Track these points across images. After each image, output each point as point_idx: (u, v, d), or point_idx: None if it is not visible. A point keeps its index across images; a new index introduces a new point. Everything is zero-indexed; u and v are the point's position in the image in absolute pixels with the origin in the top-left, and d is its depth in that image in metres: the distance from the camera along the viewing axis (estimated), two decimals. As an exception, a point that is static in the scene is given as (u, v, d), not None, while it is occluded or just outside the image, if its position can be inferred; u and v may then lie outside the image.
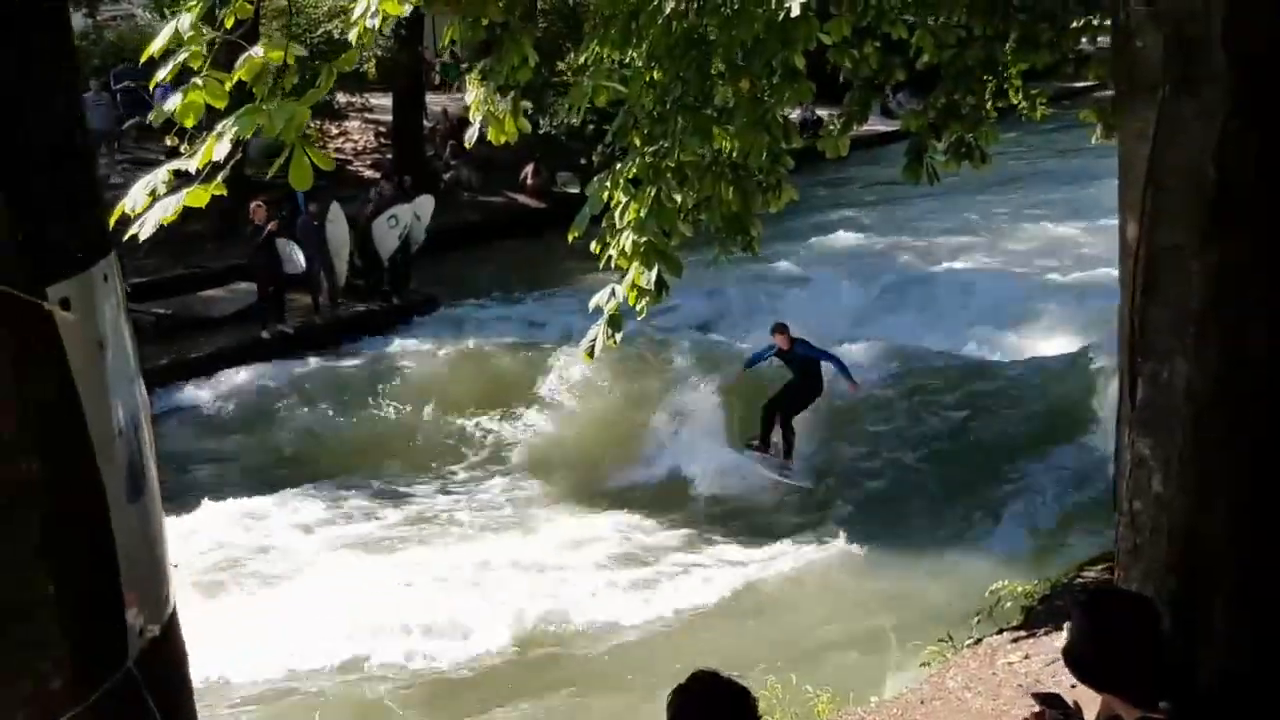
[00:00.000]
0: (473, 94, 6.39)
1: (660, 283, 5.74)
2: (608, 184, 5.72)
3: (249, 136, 3.28)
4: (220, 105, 3.41)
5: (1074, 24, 7.33)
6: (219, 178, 3.21)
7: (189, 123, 3.44)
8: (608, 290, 5.74)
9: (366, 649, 8.86)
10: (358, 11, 4.51)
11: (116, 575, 2.10)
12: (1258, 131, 3.20)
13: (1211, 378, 3.34)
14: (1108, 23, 7.86)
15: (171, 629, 2.26)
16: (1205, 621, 3.46)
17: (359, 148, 23.75)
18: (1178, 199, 3.28)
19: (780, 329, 11.86)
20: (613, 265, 5.79)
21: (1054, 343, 14.32)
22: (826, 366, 11.80)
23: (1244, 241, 3.28)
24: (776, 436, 11.87)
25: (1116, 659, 3.15)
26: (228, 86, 3.39)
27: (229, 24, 3.51)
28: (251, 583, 9.83)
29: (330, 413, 13.76)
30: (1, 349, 1.91)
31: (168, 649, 2.23)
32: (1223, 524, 3.44)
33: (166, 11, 18.06)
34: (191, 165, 3.23)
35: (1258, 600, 3.50)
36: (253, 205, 15.31)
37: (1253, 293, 3.32)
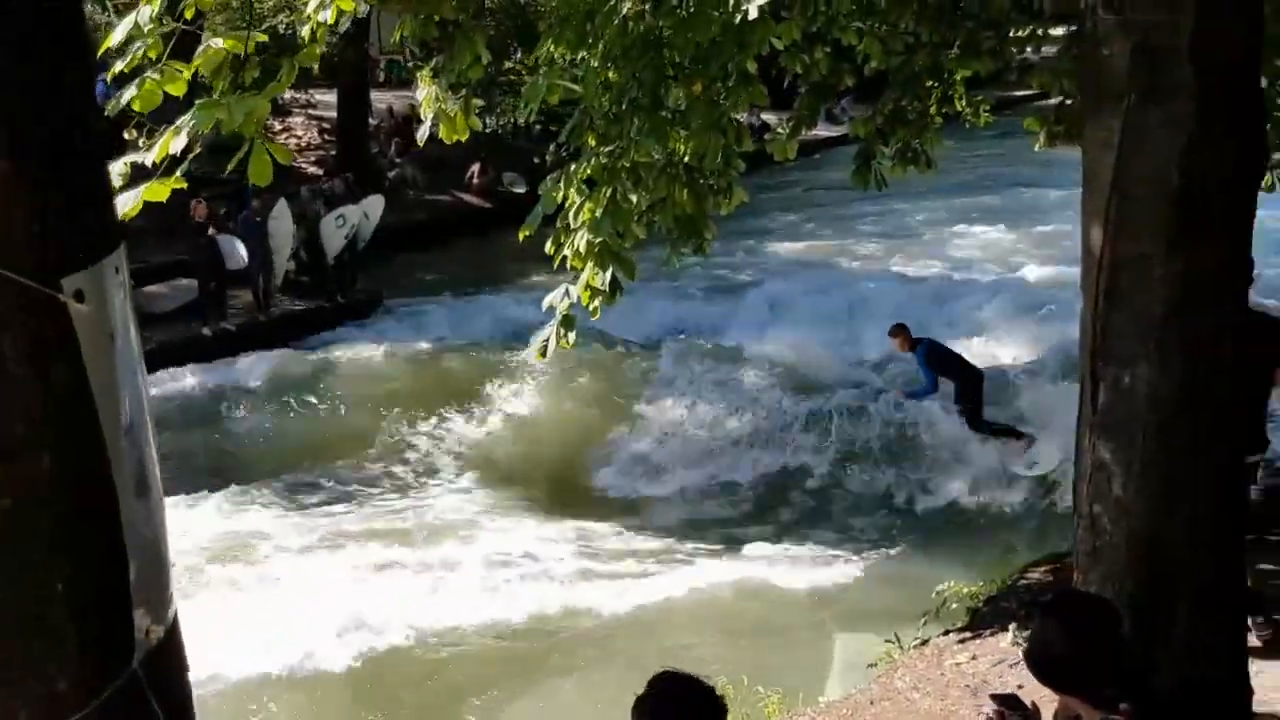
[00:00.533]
0: (424, 91, 6.32)
1: (614, 283, 5.71)
2: (561, 184, 5.67)
3: (207, 130, 3.21)
4: (179, 93, 3.35)
5: (1016, 32, 7.39)
6: (178, 171, 3.14)
7: (139, 107, 3.38)
8: (561, 290, 5.70)
9: (312, 647, 8.69)
10: (311, 6, 4.43)
11: (126, 574, 2.05)
12: (1223, 141, 3.22)
13: (1175, 384, 3.36)
14: (1052, 32, 7.99)
15: (174, 631, 2.21)
16: (1165, 625, 3.48)
17: (303, 144, 23.50)
18: (1143, 207, 3.29)
19: (896, 330, 11.61)
20: (568, 266, 5.74)
21: (997, 348, 14.46)
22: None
23: (1208, 250, 3.31)
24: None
25: (1078, 660, 3.16)
26: (186, 75, 3.32)
27: (189, 15, 3.44)
28: (192, 584, 9.64)
29: (273, 412, 13.58)
30: (20, 341, 1.88)
31: (170, 650, 2.19)
32: (1184, 529, 3.47)
33: (108, 4, 17.75)
34: (149, 159, 3.16)
35: (1218, 605, 3.53)
36: (193, 202, 15.08)
37: (1216, 301, 3.34)
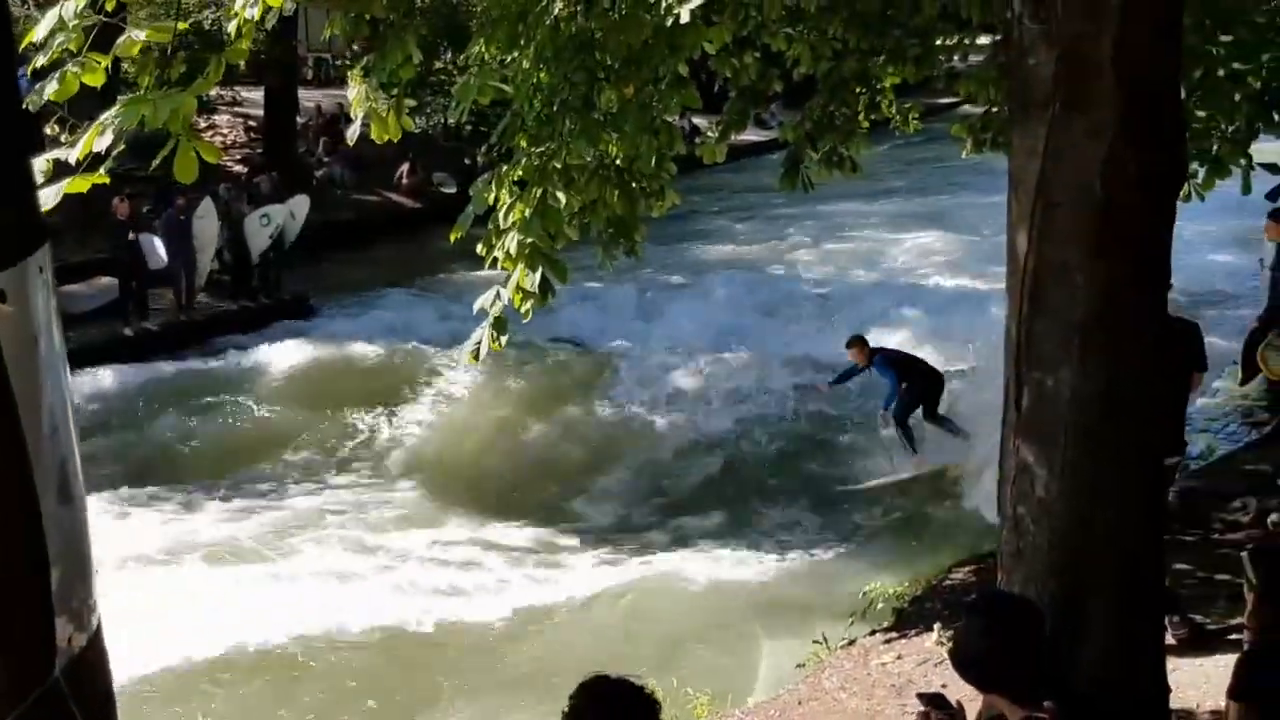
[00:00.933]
0: (354, 90, 6.26)
1: (545, 285, 5.68)
2: (492, 185, 5.64)
3: (132, 127, 3.16)
4: (97, 84, 3.30)
5: (943, 41, 7.48)
6: (102, 168, 3.09)
7: (56, 98, 3.32)
8: (492, 292, 5.66)
9: (230, 644, 8.59)
10: (239, 2, 4.37)
11: (48, 581, 2.01)
12: (1144, 152, 3.28)
13: (1096, 388, 3.42)
14: (979, 41, 8.11)
15: (97, 639, 2.16)
16: (1085, 625, 3.54)
17: (228, 142, 23.17)
18: (1066, 215, 3.35)
19: (853, 342, 11.61)
20: (498, 267, 5.71)
21: (919, 349, 14.61)
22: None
23: (1128, 257, 3.37)
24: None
25: (1001, 660, 3.21)
26: (104, 65, 3.26)
27: (110, 7, 3.38)
28: (111, 585, 9.44)
29: (196, 413, 13.37)
30: None
31: (93, 659, 2.14)
32: (1104, 531, 3.53)
33: (31, 3, 17.36)
34: (72, 156, 3.10)
35: (1137, 605, 3.60)
36: (115, 200, 14.82)
37: (1136, 307, 3.41)
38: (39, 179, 3.06)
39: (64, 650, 2.03)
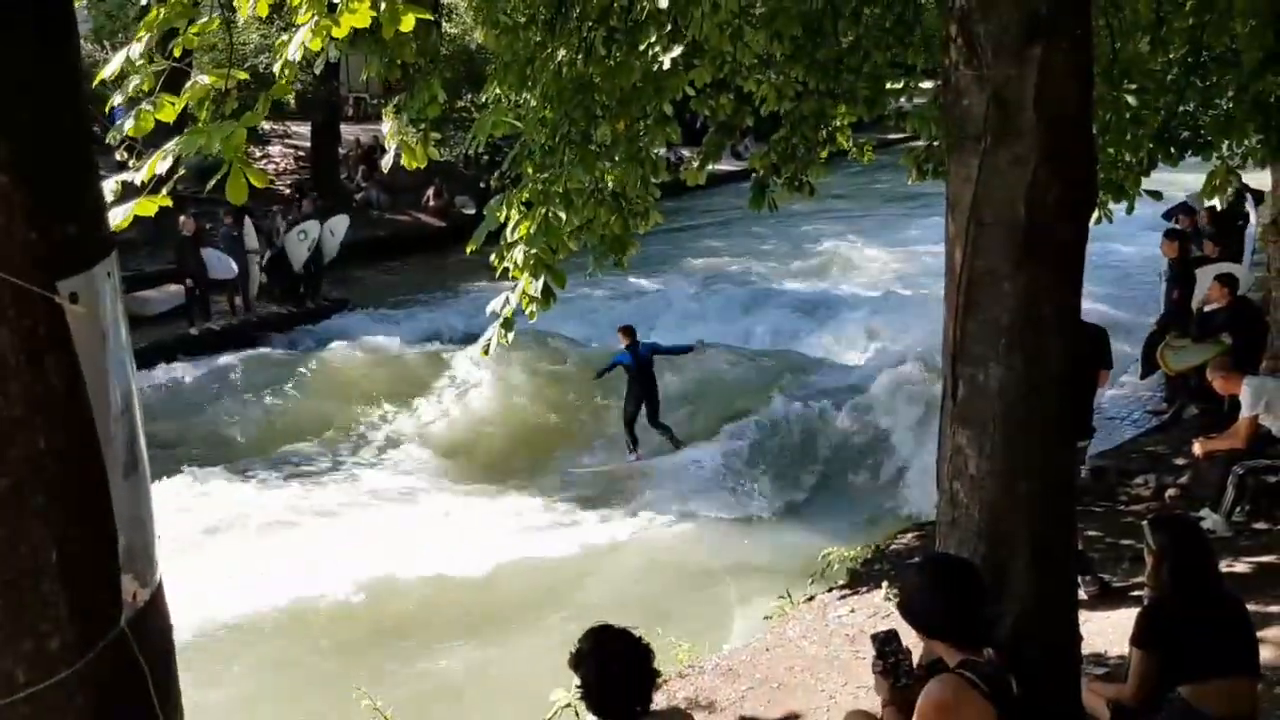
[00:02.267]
0: (388, 125, 6.26)
1: (547, 291, 5.67)
2: (503, 205, 5.63)
3: (192, 155, 3.14)
4: (169, 120, 3.30)
5: (892, 84, 7.46)
6: (164, 190, 3.07)
7: (134, 133, 3.32)
8: (502, 297, 5.66)
9: (283, 601, 8.58)
10: (292, 48, 4.34)
11: (115, 544, 2.01)
12: (1059, 179, 3.28)
13: (1018, 381, 3.41)
14: (922, 85, 8.10)
15: (158, 594, 2.16)
16: (1008, 582, 3.54)
17: (280, 169, 23.11)
18: (994, 232, 3.34)
19: (624, 330, 11.71)
20: (509, 276, 5.70)
21: (871, 348, 14.64)
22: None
23: (1046, 268, 3.37)
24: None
25: (941, 611, 3.21)
26: (179, 107, 3.26)
27: (178, 53, 3.36)
28: (179, 549, 9.40)
29: (252, 401, 13.33)
30: (17, 339, 1.85)
31: (155, 612, 2.14)
32: (1022, 500, 3.53)
33: (106, 44, 17.27)
34: (138, 178, 3.09)
35: (1051, 566, 3.60)
36: (182, 217, 14.81)
37: (1052, 310, 3.40)
38: (109, 198, 3.05)
39: (129, 605, 2.03)
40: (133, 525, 2.04)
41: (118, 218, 3.06)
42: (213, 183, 3.22)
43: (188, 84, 3.41)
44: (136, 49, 3.31)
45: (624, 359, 11.60)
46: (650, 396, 11.71)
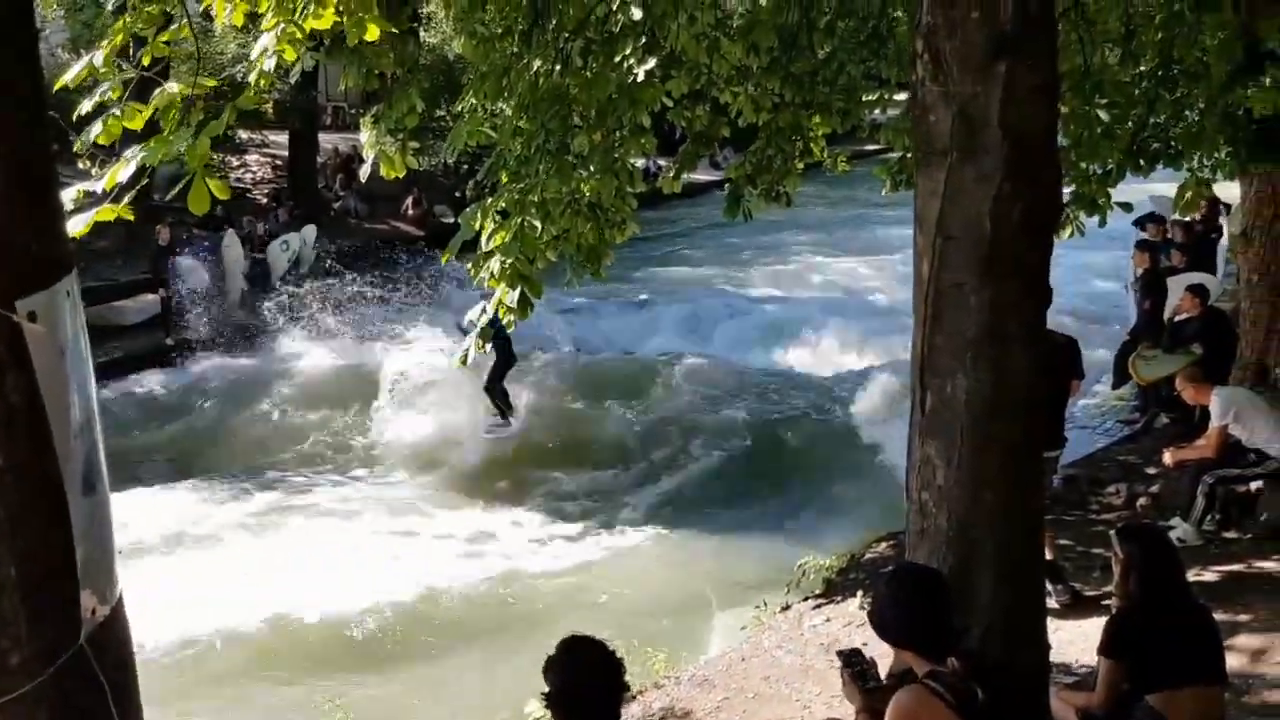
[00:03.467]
0: (366, 134, 6.27)
1: (524, 301, 5.67)
2: (478, 214, 5.63)
3: (156, 164, 3.13)
4: (137, 128, 3.29)
5: (866, 97, 7.53)
6: (125, 200, 3.05)
7: (103, 141, 3.31)
8: (479, 307, 5.67)
9: (249, 614, 8.50)
10: (255, 53, 4.34)
11: (73, 561, 2.01)
12: (1024, 195, 3.32)
13: (985, 393, 3.45)
14: (896, 98, 8.16)
15: (118, 609, 2.14)
16: (977, 591, 3.56)
17: (257, 178, 23.01)
18: (961, 246, 3.38)
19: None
20: (485, 285, 5.70)
21: (845, 359, 14.70)
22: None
23: (1011, 283, 3.40)
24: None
25: (909, 621, 3.24)
26: (145, 115, 3.24)
27: (146, 60, 3.35)
28: (147, 561, 9.34)
29: (227, 410, 13.27)
30: None
31: (115, 627, 2.13)
32: (988, 511, 3.56)
33: (82, 52, 17.15)
34: (98, 187, 3.07)
35: (1019, 575, 3.63)
36: (157, 227, 14.77)
37: (1017, 323, 3.44)
38: (69, 206, 3.04)
39: (89, 620, 2.02)
40: (93, 541, 2.03)
41: (78, 226, 3.04)
42: (174, 192, 3.21)
43: (156, 91, 3.40)
44: (100, 56, 3.30)
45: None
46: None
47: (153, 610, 7.97)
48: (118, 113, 3.35)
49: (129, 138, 3.48)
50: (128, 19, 3.70)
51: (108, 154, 3.32)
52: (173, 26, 3.75)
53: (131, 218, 3.12)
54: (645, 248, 18.57)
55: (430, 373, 13.77)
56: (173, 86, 3.44)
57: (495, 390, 12.18)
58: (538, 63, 5.73)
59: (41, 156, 1.97)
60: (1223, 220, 12.54)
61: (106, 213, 3.06)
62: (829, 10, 7.02)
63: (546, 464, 11.99)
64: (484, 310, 5.64)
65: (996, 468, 3.51)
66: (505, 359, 12.18)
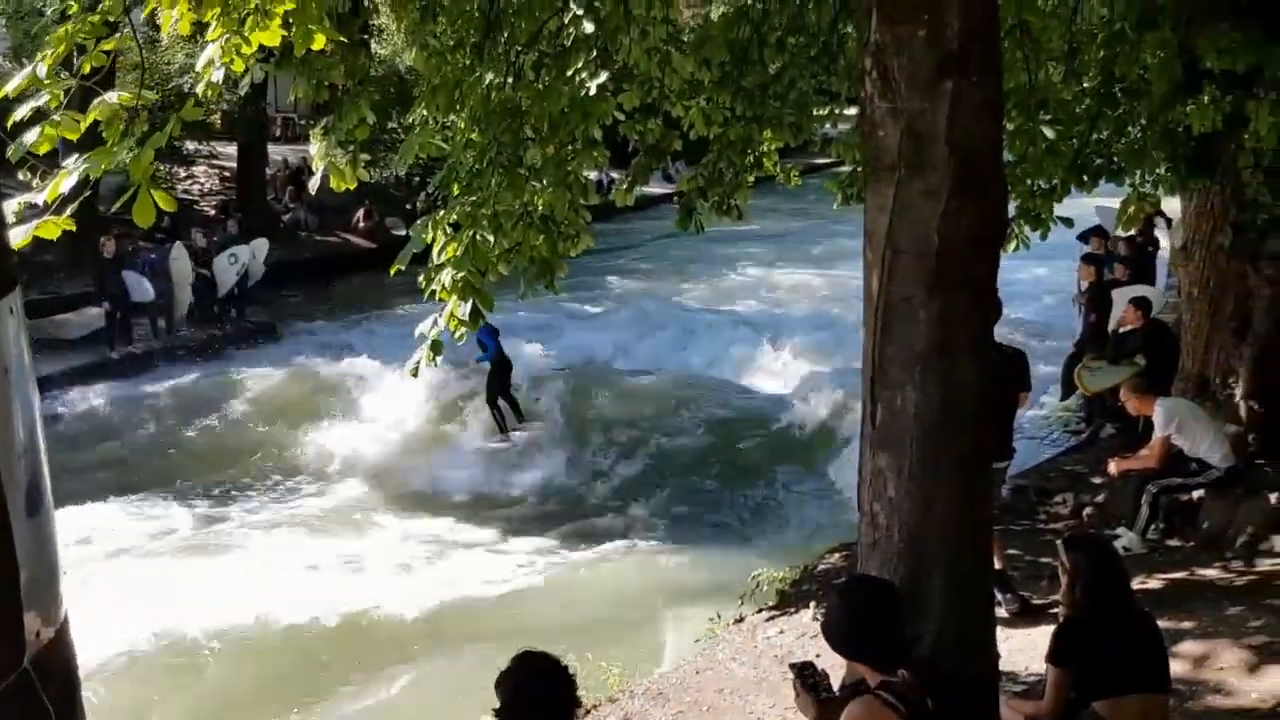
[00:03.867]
0: (316, 146, 6.21)
1: (475, 313, 5.65)
2: (430, 227, 5.61)
3: (100, 176, 3.08)
4: (74, 138, 3.23)
5: (817, 111, 7.60)
6: (67, 212, 3.00)
7: (39, 150, 3.24)
8: (430, 319, 5.62)
9: (197, 632, 8.37)
10: (200, 63, 4.28)
11: (16, 584, 1.95)
12: (971, 210, 3.37)
13: (933, 404, 3.48)
14: (847, 112, 8.25)
15: (63, 631, 2.09)
16: (927, 601, 3.59)
17: (205, 190, 22.72)
18: (909, 260, 3.42)
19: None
20: (436, 298, 5.67)
21: (798, 371, 14.76)
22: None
23: (958, 296, 3.45)
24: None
25: (862, 633, 3.26)
26: (84, 125, 3.19)
27: (85, 69, 3.30)
28: (94, 580, 9.15)
29: (173, 426, 13.06)
30: None
31: (60, 649, 2.07)
32: (938, 522, 3.59)
33: (24, 61, 16.85)
34: (40, 199, 3.02)
35: (967, 584, 3.67)
36: (102, 238, 14.53)
37: (965, 336, 3.49)
38: (11, 220, 2.98)
39: (33, 643, 1.97)
40: (36, 562, 1.98)
41: (18, 238, 2.98)
42: (119, 204, 3.15)
43: (95, 101, 3.34)
44: (41, 67, 3.24)
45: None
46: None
47: (93, 633, 7.85)
48: (57, 119, 3.29)
49: (71, 148, 3.42)
50: (70, 27, 3.65)
51: (49, 165, 3.24)
52: (116, 35, 3.69)
53: (74, 229, 3.06)
54: (598, 260, 18.57)
55: (381, 385, 13.70)
56: (112, 97, 3.39)
57: (494, 404, 12.24)
58: (490, 75, 5.73)
59: None
60: (1159, 233, 12.81)
61: (49, 228, 3.01)
62: (780, 26, 7.08)
63: (496, 478, 11.93)
64: (434, 322, 5.61)
65: (946, 479, 3.54)
66: (500, 371, 12.29)
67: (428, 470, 12.04)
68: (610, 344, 16.09)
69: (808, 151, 10.42)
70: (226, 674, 8.06)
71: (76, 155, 3.21)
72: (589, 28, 5.53)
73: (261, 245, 17.19)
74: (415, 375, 5.78)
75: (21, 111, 3.38)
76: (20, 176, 3.39)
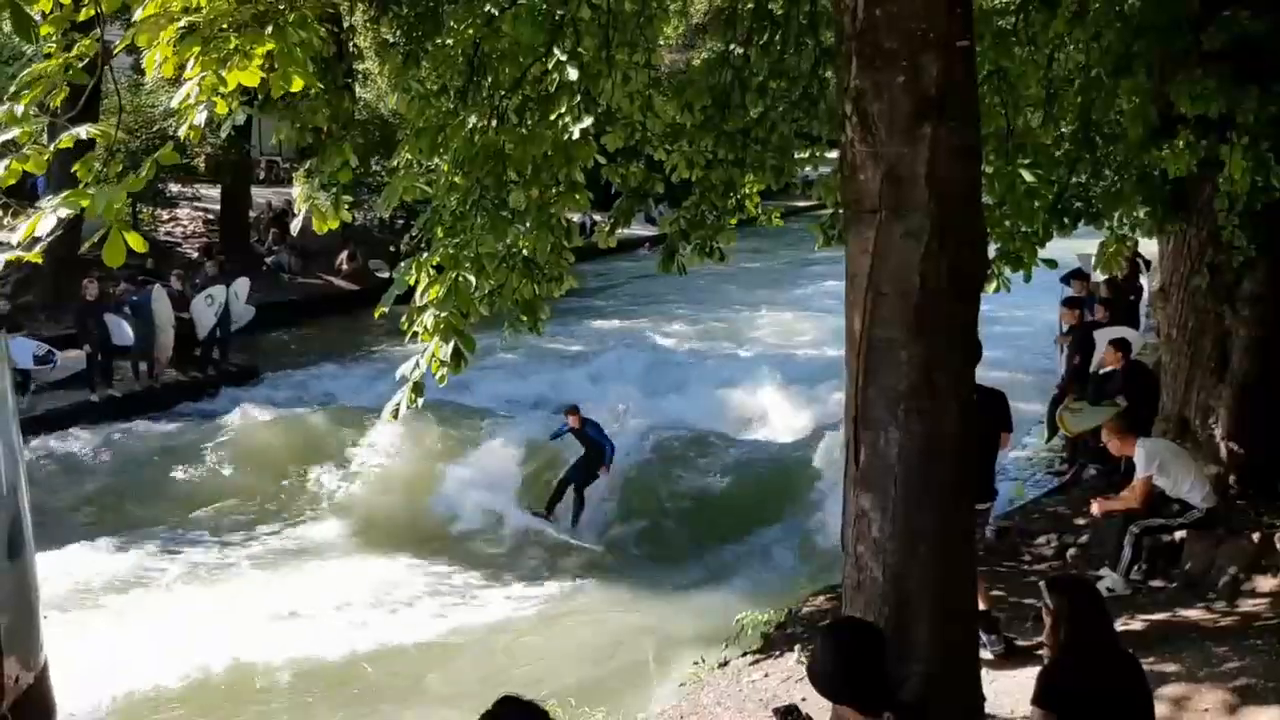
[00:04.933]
0: (299, 189, 6.24)
1: (457, 355, 5.65)
2: (413, 269, 5.63)
3: (72, 215, 3.09)
4: (39, 172, 3.27)
5: (798, 154, 7.68)
6: (38, 249, 3.00)
7: (8, 182, 3.28)
8: (412, 361, 5.61)
9: (179, 674, 8.25)
10: (175, 100, 4.29)
11: None
12: (951, 252, 3.41)
13: (916, 444, 3.51)
14: (828, 155, 8.33)
15: (43, 676, 2.07)
16: (910, 640, 3.59)
17: (188, 232, 22.71)
18: (891, 302, 3.45)
19: (571, 410, 11.80)
20: (418, 340, 5.66)
21: (781, 413, 14.78)
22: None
23: (939, 337, 3.48)
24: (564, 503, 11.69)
25: (847, 675, 3.24)
26: (46, 158, 3.21)
27: (55, 103, 3.32)
28: (75, 622, 9.02)
29: (154, 469, 12.93)
30: None
31: (39, 696, 2.05)
32: (922, 563, 3.60)
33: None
34: (14, 238, 3.03)
35: (952, 625, 3.66)
36: (84, 281, 14.48)
37: (947, 377, 3.51)
38: None
39: (11, 688, 1.95)
40: (16, 608, 1.97)
41: None
42: (88, 245, 3.16)
43: (63, 134, 3.37)
44: (20, 107, 3.26)
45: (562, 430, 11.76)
46: (588, 468, 11.75)
47: (73, 676, 7.73)
48: (26, 152, 3.31)
49: (53, 188, 3.44)
50: (44, 65, 3.65)
51: (21, 202, 3.27)
52: (90, 73, 3.69)
53: (40, 261, 3.07)
54: (579, 302, 18.60)
55: (363, 427, 13.63)
56: (81, 131, 3.40)
57: (573, 488, 11.62)
58: (473, 119, 5.77)
59: None
60: (1143, 278, 12.95)
61: (12, 260, 3.01)
62: (761, 71, 7.17)
63: (480, 522, 11.85)
64: (416, 364, 5.60)
65: (930, 519, 3.56)
66: (593, 462, 11.65)
67: (407, 516, 11.94)
68: (589, 387, 16.05)
69: (789, 193, 10.52)
70: (205, 718, 7.94)
71: (51, 196, 3.22)
72: (573, 74, 5.58)
73: (243, 285, 17.13)
74: (395, 418, 5.76)
75: None
76: None
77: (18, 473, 1.94)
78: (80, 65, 3.42)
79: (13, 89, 3.45)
